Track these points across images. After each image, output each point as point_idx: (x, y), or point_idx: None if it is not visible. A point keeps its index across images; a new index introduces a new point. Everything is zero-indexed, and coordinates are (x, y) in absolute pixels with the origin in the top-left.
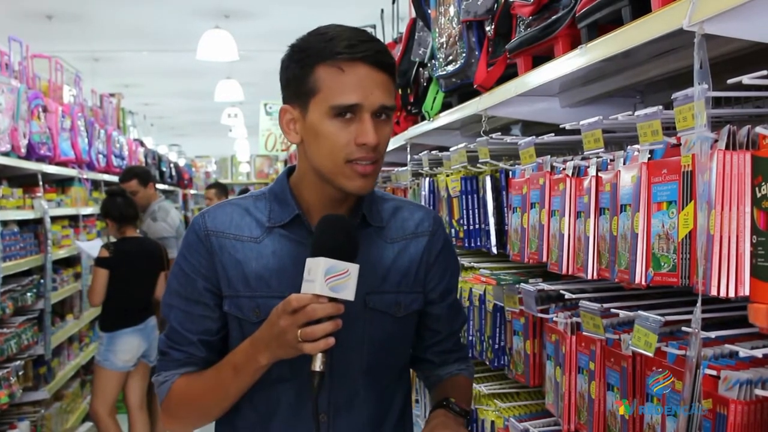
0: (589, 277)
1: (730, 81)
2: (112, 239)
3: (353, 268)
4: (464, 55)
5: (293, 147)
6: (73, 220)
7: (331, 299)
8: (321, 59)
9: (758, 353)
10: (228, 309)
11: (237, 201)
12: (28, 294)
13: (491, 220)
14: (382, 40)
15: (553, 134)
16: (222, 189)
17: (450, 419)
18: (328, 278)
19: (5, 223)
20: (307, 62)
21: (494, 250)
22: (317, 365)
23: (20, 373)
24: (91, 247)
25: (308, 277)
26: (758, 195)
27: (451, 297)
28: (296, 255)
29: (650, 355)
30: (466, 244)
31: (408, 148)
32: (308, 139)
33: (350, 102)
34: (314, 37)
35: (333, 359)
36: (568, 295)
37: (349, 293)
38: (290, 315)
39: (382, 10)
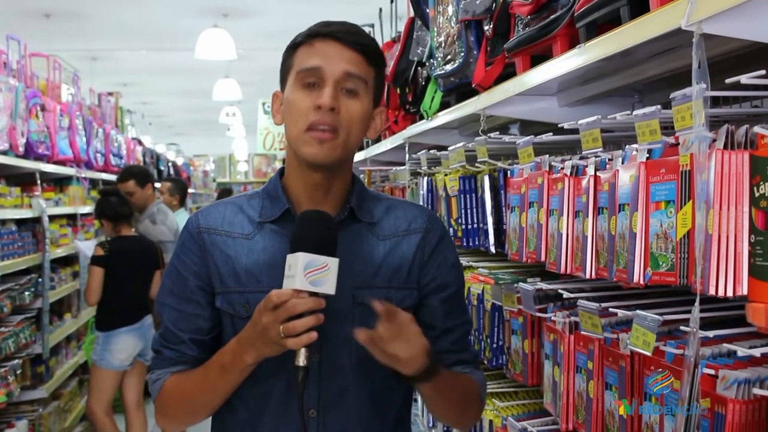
0: (588, 276)
1: (728, 80)
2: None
3: (333, 262)
4: (462, 54)
5: None
6: (71, 219)
7: (312, 294)
8: (301, 41)
9: (756, 352)
10: (219, 305)
11: (231, 200)
12: (26, 293)
13: (489, 220)
14: (376, 39)
15: (551, 133)
16: (176, 185)
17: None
18: (308, 273)
19: (3, 222)
20: (290, 46)
21: (492, 249)
22: (301, 360)
23: (18, 372)
24: (89, 247)
25: (288, 273)
26: (756, 194)
27: (447, 291)
28: (286, 250)
29: (648, 354)
30: (465, 244)
31: (406, 147)
32: (284, 114)
33: (312, 64)
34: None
35: (322, 354)
36: (566, 295)
37: (329, 287)
38: (271, 311)
39: (381, 9)
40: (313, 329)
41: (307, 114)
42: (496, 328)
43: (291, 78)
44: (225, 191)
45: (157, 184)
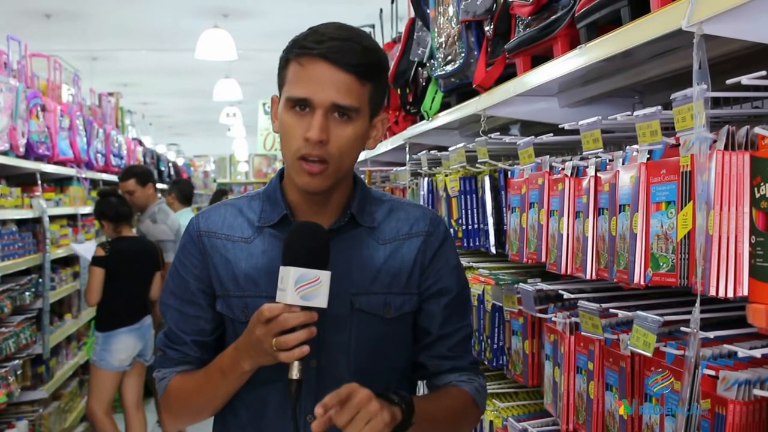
0: (588, 277)
1: (729, 81)
2: (108, 239)
3: (324, 276)
4: (463, 54)
5: None
6: (72, 219)
7: (304, 308)
8: (292, 53)
9: (757, 353)
10: (220, 308)
11: (232, 201)
12: (27, 293)
13: (490, 220)
14: (375, 42)
15: (551, 134)
16: (173, 185)
17: (370, 395)
18: (299, 287)
19: (4, 223)
20: (285, 55)
21: (493, 249)
22: (294, 373)
23: (18, 373)
24: (86, 249)
25: (281, 286)
26: (757, 195)
27: (447, 296)
28: None
29: (649, 355)
30: (465, 244)
31: (407, 148)
32: (279, 130)
33: (299, 95)
34: (303, 32)
35: (320, 361)
36: (566, 295)
37: (321, 301)
38: (264, 324)
39: (381, 10)
40: (308, 341)
41: (298, 142)
42: (496, 329)
43: (283, 96)
44: (219, 192)
45: (160, 185)
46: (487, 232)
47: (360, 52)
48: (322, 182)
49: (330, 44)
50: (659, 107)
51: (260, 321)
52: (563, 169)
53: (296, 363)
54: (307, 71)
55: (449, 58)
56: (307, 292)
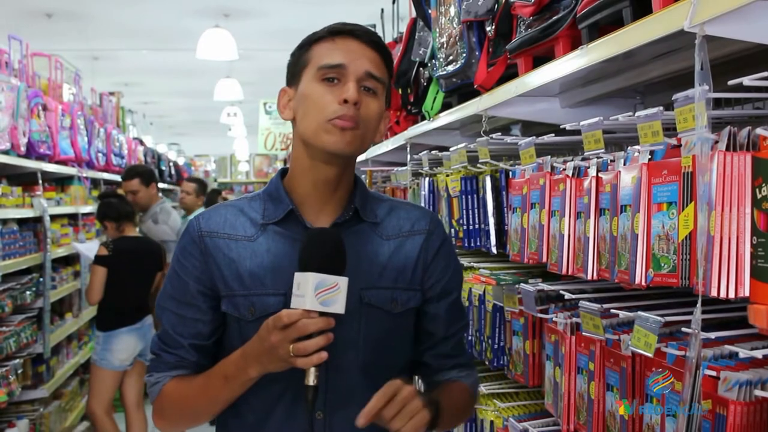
0: (589, 277)
1: (730, 82)
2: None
3: (342, 282)
4: (464, 55)
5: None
6: (73, 218)
7: (322, 313)
8: (317, 38)
9: (758, 354)
10: (225, 308)
11: (232, 202)
12: (27, 292)
13: (491, 220)
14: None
15: (553, 135)
16: (201, 186)
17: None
18: (318, 293)
19: (4, 222)
20: (306, 43)
21: (494, 250)
22: (311, 380)
23: (19, 372)
24: (89, 248)
25: (297, 292)
26: (758, 196)
27: (450, 297)
28: (291, 252)
29: (650, 355)
30: (466, 244)
31: (408, 148)
32: (298, 108)
33: (335, 61)
34: (319, 29)
35: (330, 356)
36: (567, 296)
37: (339, 307)
38: (281, 330)
39: (383, 10)
40: (322, 349)
41: (330, 106)
42: (497, 329)
43: (309, 73)
44: (214, 191)
45: (162, 184)
46: (488, 233)
47: (380, 38)
48: (351, 140)
49: (357, 27)
50: (661, 108)
51: (276, 327)
52: (564, 169)
53: (312, 369)
54: (338, 45)
55: (450, 58)
56: (327, 298)
